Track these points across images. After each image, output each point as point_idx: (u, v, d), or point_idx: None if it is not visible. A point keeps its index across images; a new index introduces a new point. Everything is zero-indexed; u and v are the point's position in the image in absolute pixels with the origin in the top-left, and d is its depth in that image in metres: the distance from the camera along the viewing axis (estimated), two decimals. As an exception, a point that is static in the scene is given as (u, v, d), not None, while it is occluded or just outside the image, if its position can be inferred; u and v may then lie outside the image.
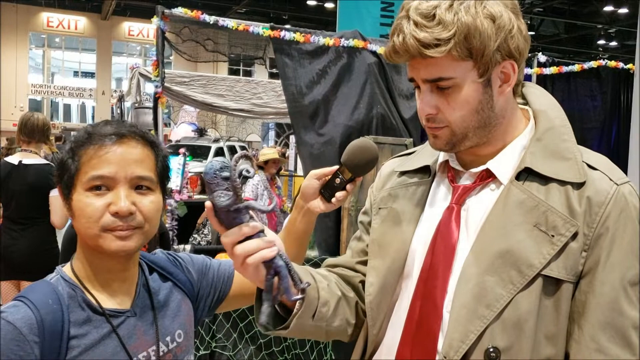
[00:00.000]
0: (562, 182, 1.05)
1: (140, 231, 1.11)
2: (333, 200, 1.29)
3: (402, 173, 1.26)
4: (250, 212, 1.00)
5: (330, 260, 1.36)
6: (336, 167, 1.29)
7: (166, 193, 1.20)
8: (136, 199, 1.10)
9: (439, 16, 1.00)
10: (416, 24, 1.00)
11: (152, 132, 4.05)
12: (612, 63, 5.68)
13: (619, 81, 5.72)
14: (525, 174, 1.07)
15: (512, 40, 1.03)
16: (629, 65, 5.46)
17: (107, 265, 1.13)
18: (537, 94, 1.17)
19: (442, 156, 1.19)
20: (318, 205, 1.31)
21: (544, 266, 1.01)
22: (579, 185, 1.04)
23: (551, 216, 1.02)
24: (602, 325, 1.01)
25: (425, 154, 1.23)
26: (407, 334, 1.11)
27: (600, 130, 5.71)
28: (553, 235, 1.01)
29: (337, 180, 1.28)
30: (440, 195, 1.17)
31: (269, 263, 1.01)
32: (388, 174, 1.30)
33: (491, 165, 1.10)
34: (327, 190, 1.29)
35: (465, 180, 1.14)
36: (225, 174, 0.95)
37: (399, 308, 1.16)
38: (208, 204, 0.98)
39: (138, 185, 1.11)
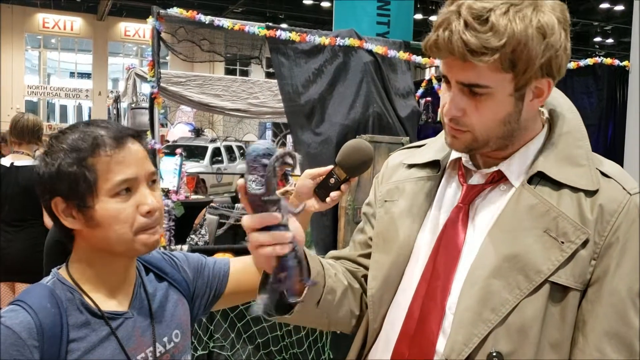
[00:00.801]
0: (575, 189, 1.03)
1: (159, 225, 1.13)
2: (327, 199, 1.29)
3: (411, 166, 1.24)
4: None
5: (332, 252, 1.35)
6: (331, 166, 1.29)
7: None
8: (153, 195, 1.12)
9: (492, 21, 0.95)
10: (467, 24, 0.95)
11: (149, 132, 4.05)
12: (608, 60, 5.66)
13: (615, 78, 5.70)
14: (538, 178, 1.06)
15: (557, 60, 1.00)
16: (625, 63, 5.45)
17: (114, 268, 1.14)
18: (554, 95, 1.14)
19: (454, 153, 1.16)
20: (312, 204, 1.30)
21: (552, 272, 1.00)
22: (591, 193, 1.03)
23: (562, 222, 1.01)
24: (607, 335, 1.00)
25: (435, 148, 1.21)
26: (406, 332, 1.10)
27: (597, 128, 5.69)
28: (563, 242, 1.00)
29: (332, 180, 1.28)
30: (449, 193, 1.16)
31: (280, 258, 0.99)
32: (395, 165, 1.28)
33: (503, 167, 1.09)
34: (321, 189, 1.29)
35: (475, 180, 1.13)
36: (265, 161, 0.92)
37: (398, 304, 1.15)
38: (241, 181, 0.95)
39: (151, 181, 1.13)
